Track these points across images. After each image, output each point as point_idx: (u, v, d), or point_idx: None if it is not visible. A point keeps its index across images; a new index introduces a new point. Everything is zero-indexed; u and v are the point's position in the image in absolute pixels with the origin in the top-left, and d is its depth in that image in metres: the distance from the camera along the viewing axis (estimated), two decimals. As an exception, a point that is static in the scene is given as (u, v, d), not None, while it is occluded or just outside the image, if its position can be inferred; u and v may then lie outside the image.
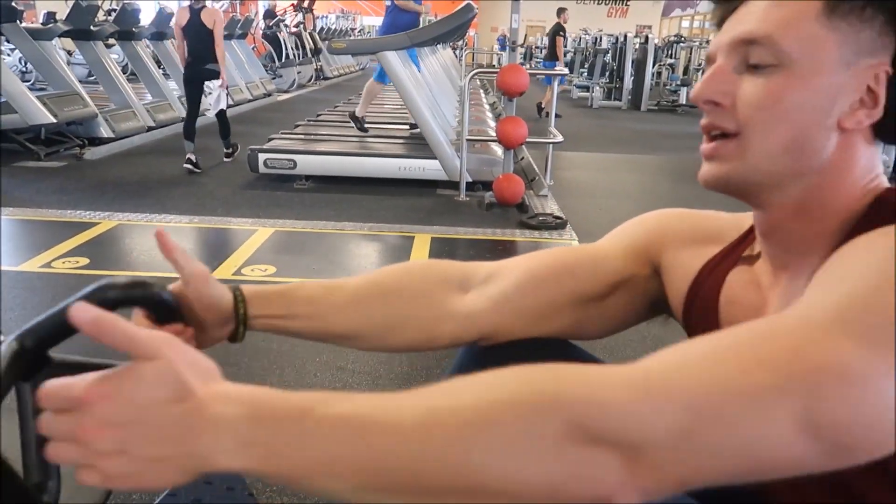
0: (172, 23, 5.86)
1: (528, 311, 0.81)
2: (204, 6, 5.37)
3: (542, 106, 9.98)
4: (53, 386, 0.48)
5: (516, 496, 0.46)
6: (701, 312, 0.77)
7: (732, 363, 0.48)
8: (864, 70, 0.61)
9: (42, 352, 0.61)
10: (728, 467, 0.47)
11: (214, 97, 5.35)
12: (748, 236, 0.76)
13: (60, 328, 0.60)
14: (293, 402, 0.48)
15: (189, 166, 5.37)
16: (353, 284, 0.81)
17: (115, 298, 0.64)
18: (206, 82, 5.41)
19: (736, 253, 0.77)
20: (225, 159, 5.80)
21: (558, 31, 10.13)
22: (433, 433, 0.46)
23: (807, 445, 0.46)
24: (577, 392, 0.47)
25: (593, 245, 0.87)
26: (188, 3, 5.35)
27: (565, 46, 10.58)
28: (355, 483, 0.46)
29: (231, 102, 6.67)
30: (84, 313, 0.47)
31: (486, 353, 0.85)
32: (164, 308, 0.69)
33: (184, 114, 7.21)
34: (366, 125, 6.05)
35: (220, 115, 5.61)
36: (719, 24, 0.69)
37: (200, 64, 5.30)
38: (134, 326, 0.49)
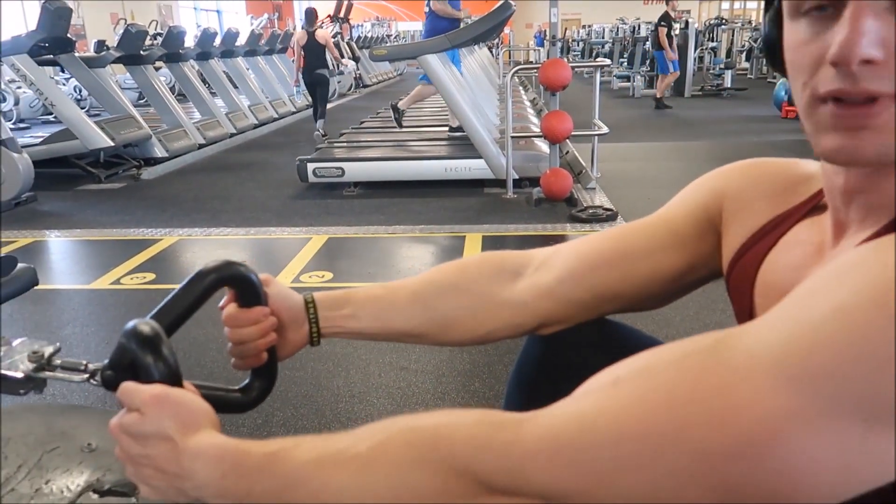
0: (292, 42, 8.40)
1: (583, 298, 0.81)
2: (317, 30, 7.69)
3: (659, 97, 9.74)
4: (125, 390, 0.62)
5: None
6: (741, 274, 0.70)
7: (655, 419, 0.47)
8: None
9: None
10: None
11: (333, 86, 8.10)
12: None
13: (182, 311, 0.70)
14: (257, 454, 0.57)
15: (318, 132, 7.68)
16: (412, 284, 0.84)
17: (210, 283, 0.72)
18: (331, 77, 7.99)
19: (810, 204, 0.66)
20: (322, 133, 7.71)
21: (662, 20, 9.55)
22: (331, 475, 0.54)
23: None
24: (473, 456, 0.51)
25: (651, 220, 0.81)
26: (305, 28, 7.71)
27: (675, 36, 9.81)
28: None
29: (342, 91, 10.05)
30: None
31: (547, 342, 0.87)
32: (249, 288, 0.76)
33: (231, 129, 7.56)
34: (403, 121, 6.48)
35: (324, 97, 7.97)
36: None
37: (314, 70, 7.71)
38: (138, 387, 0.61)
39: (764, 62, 12.91)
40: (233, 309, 0.77)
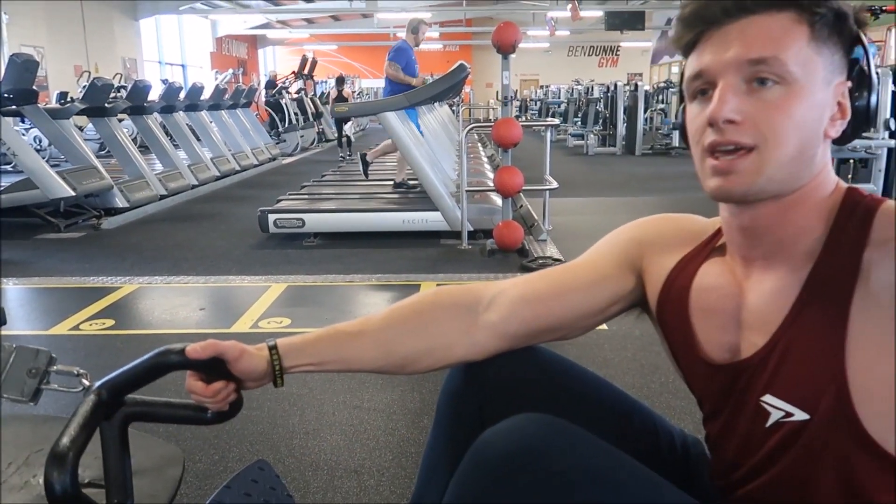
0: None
1: (525, 334, 0.98)
2: (343, 88, 12.21)
3: None
4: None
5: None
6: (675, 303, 0.89)
7: None
8: (836, 87, 0.74)
9: (118, 399, 0.80)
10: None
11: (348, 126, 11.98)
12: (717, 234, 0.89)
13: (133, 380, 0.80)
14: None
15: (341, 157, 10.84)
16: (373, 329, 0.97)
17: (173, 362, 0.83)
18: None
19: (709, 247, 0.89)
20: (346, 156, 11.04)
21: None
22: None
23: None
24: None
25: (579, 263, 1.00)
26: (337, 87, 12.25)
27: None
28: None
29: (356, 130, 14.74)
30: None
31: (468, 368, 1.00)
32: (206, 370, 0.87)
33: (194, 181, 7.64)
34: (369, 173, 6.82)
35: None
36: (687, 49, 0.78)
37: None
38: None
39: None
40: (194, 383, 0.87)
